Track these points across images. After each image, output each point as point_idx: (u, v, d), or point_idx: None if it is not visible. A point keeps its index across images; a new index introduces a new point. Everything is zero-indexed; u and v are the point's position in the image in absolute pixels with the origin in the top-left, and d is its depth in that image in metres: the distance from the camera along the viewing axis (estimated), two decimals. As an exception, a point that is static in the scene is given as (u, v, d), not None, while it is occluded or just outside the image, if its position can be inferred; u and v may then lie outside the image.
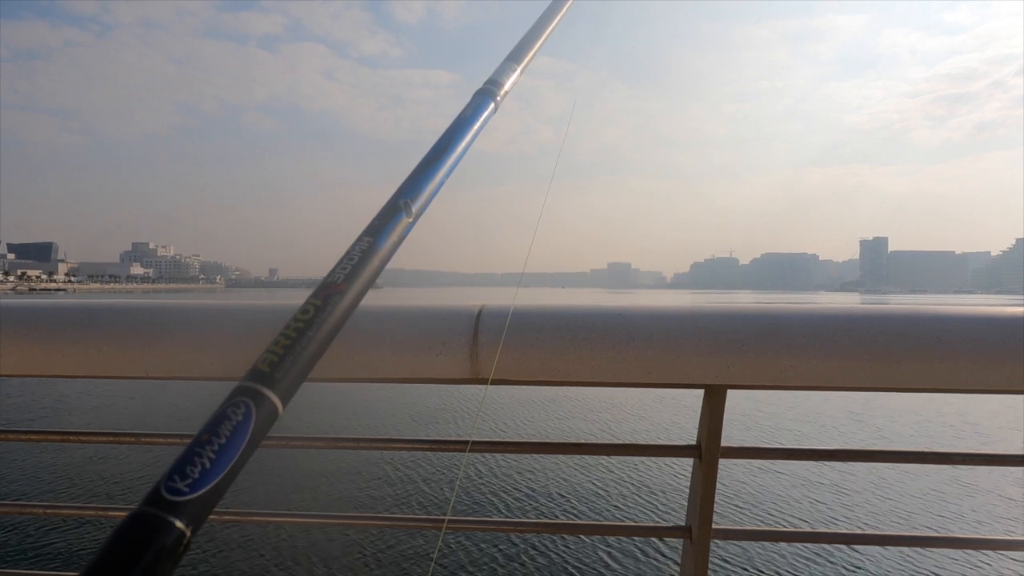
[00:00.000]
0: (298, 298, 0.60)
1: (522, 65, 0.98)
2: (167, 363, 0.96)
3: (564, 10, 1.14)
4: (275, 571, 6.49)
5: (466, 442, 1.03)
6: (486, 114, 0.87)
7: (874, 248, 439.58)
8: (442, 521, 1.04)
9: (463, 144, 0.82)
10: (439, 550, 4.86)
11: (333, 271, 0.63)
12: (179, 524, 0.43)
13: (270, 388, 0.52)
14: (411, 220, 0.71)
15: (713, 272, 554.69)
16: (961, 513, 8.75)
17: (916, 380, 0.91)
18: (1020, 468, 1.15)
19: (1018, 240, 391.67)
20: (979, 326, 0.91)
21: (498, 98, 0.90)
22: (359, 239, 0.66)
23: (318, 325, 0.58)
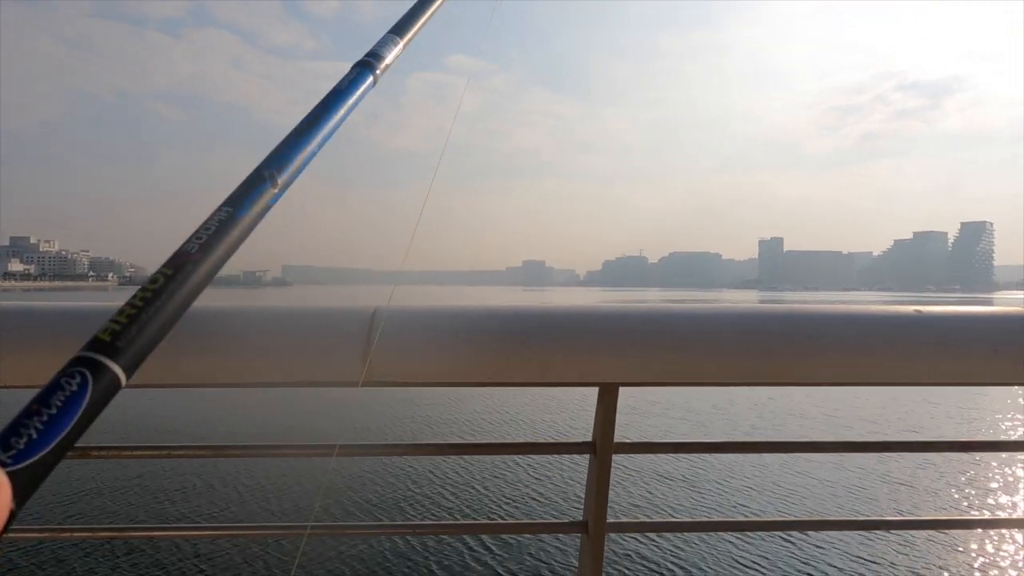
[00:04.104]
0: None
1: (405, 39, 0.94)
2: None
3: None
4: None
5: (332, 446, 0.99)
6: (363, 87, 0.83)
7: (771, 247, 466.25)
8: (305, 527, 0.97)
9: (337, 117, 0.78)
10: (301, 555, 4.71)
11: (188, 240, 0.61)
12: None
13: (111, 358, 0.50)
14: (276, 191, 0.69)
15: (624, 270, 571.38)
16: (838, 495, 9.36)
17: (793, 375, 0.97)
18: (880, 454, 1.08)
19: (896, 242, 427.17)
20: (846, 324, 0.98)
21: (378, 72, 0.87)
22: (218, 209, 0.64)
23: (168, 295, 0.56)
